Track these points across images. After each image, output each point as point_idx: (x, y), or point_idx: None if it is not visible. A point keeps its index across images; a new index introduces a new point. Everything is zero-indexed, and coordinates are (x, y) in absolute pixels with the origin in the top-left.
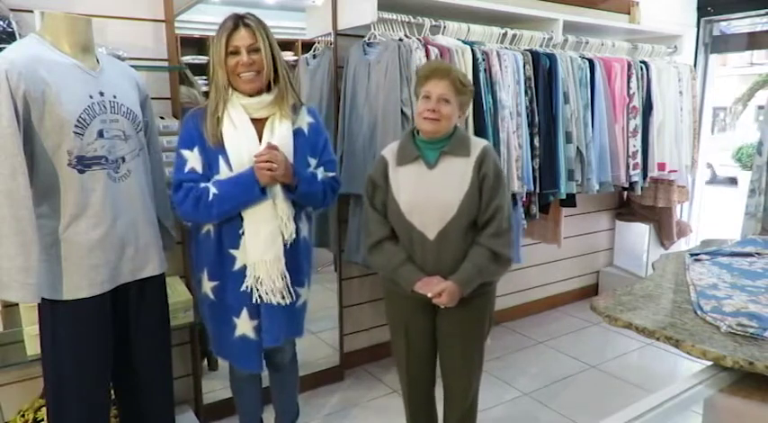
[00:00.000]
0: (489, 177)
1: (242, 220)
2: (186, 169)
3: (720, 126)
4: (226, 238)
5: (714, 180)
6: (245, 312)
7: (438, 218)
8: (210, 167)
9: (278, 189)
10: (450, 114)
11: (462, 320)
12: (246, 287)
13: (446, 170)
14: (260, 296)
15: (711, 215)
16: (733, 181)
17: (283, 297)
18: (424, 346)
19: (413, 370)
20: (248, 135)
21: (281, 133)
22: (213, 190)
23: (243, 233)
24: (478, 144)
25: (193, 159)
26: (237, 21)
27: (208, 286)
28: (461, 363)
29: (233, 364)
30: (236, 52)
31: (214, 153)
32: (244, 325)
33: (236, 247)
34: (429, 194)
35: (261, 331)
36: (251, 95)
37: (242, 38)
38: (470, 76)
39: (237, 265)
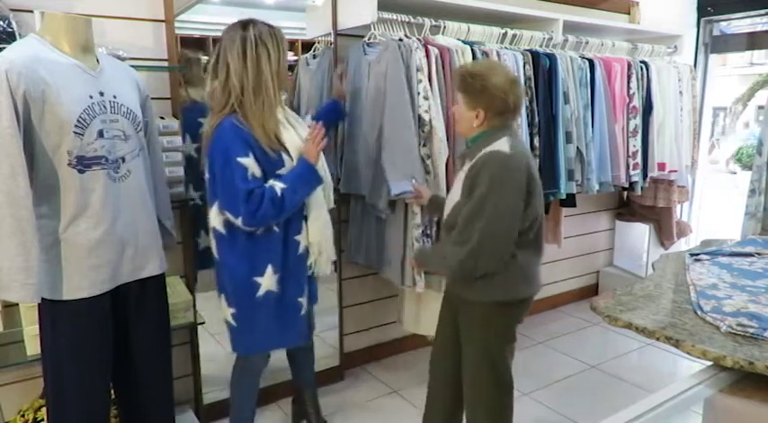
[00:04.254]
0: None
1: (304, 206)
2: (249, 177)
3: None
4: (292, 227)
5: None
6: (306, 290)
7: (445, 216)
8: (273, 166)
9: (328, 176)
10: (460, 115)
11: (463, 323)
12: (310, 264)
13: (460, 173)
14: (317, 270)
15: (711, 214)
16: None
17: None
18: (443, 337)
19: (433, 355)
20: (291, 130)
21: (299, 120)
22: (280, 185)
23: (306, 218)
24: (488, 149)
25: (252, 166)
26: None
27: (272, 281)
28: (463, 364)
29: (290, 345)
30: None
31: (274, 153)
32: (306, 301)
33: (300, 232)
34: (449, 194)
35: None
36: None
37: None
38: None
39: (301, 249)
